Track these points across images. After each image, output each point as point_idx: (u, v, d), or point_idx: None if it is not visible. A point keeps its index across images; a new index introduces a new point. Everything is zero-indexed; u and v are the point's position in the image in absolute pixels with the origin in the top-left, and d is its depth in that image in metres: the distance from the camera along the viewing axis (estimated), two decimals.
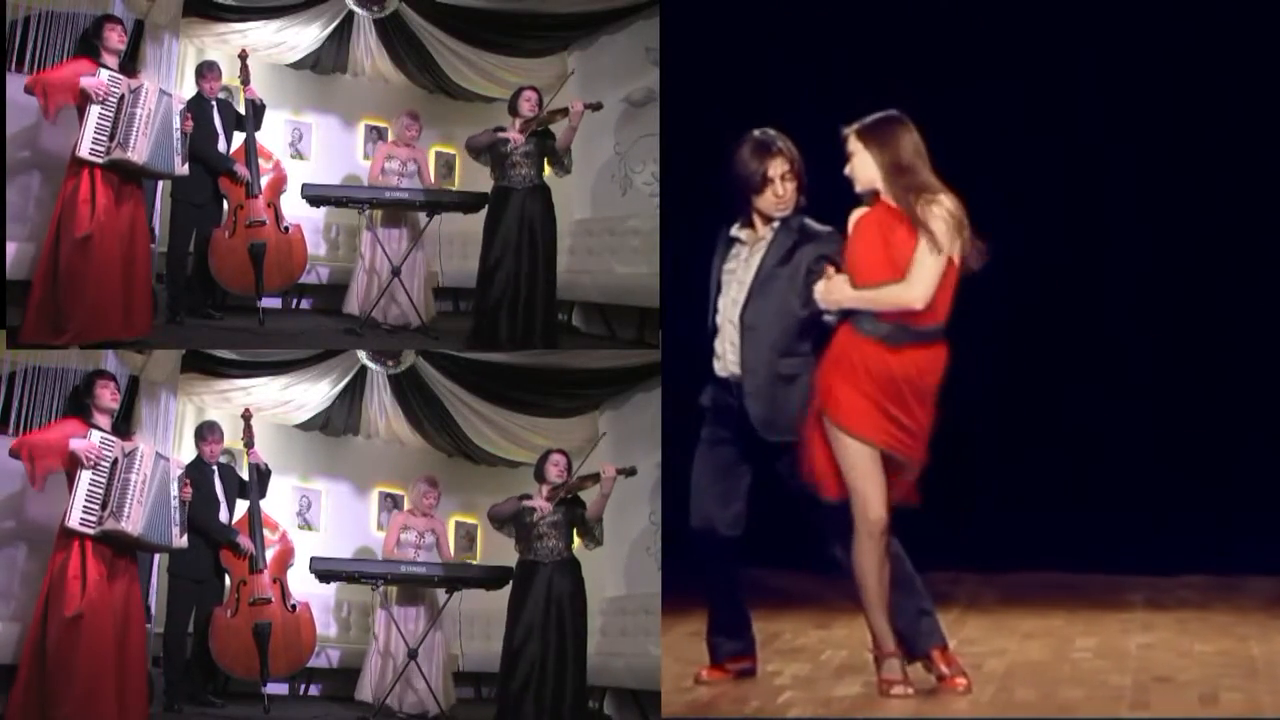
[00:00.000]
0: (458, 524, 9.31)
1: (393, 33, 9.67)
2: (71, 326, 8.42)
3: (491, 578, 8.84)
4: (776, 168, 7.15)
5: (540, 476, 8.58)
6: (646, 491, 8.84)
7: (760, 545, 7.52)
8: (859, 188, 7.00)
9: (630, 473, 8.53)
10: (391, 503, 9.35)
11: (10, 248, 8.62)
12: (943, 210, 6.89)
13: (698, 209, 9.65)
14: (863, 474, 6.94)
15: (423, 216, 9.40)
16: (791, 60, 10.22)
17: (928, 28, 10.19)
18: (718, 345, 7.25)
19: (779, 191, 7.16)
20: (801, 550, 7.44)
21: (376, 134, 9.71)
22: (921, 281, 6.87)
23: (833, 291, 7.02)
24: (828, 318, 7.09)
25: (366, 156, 9.74)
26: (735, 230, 7.28)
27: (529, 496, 8.55)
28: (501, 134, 9.08)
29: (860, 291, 6.95)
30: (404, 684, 8.83)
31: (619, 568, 8.95)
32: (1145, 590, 9.31)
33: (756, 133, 7.23)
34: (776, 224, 7.20)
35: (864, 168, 6.98)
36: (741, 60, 10.10)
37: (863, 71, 10.26)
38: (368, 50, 9.72)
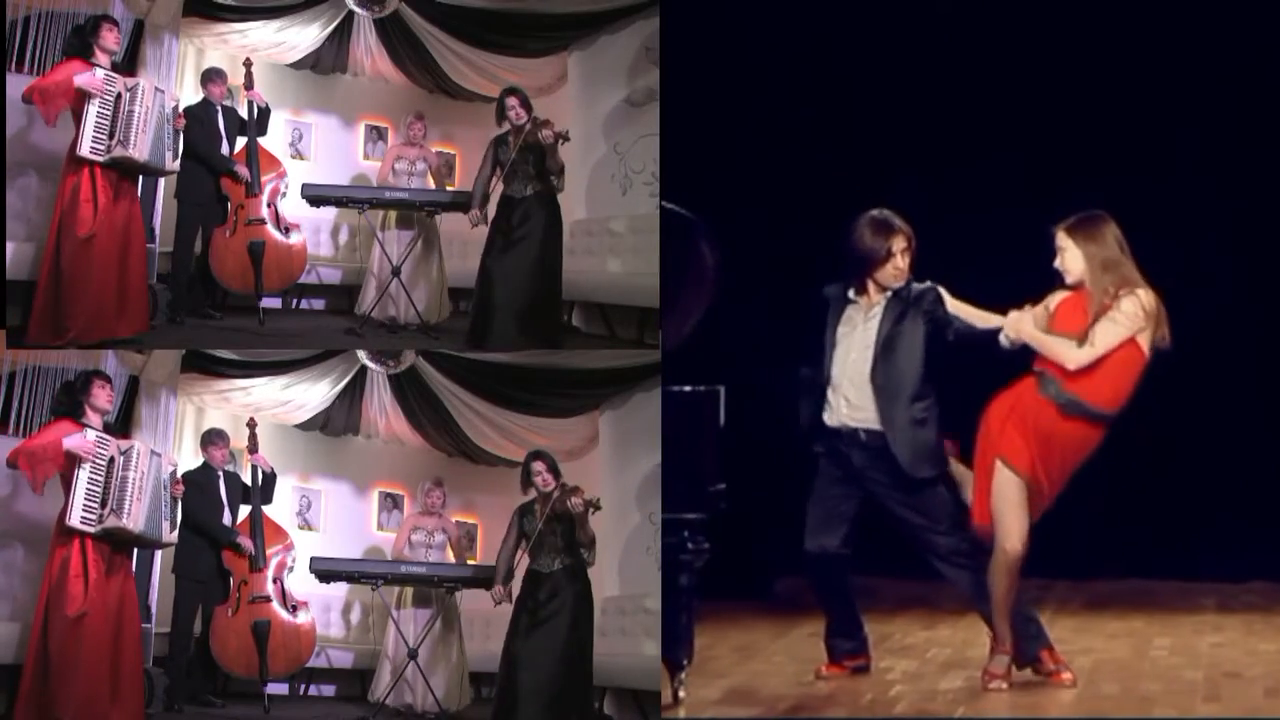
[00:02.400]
0: (458, 524, 9.30)
1: (393, 33, 9.67)
2: (74, 326, 8.43)
3: (492, 578, 8.82)
4: (898, 244, 7.90)
5: (528, 484, 8.52)
6: (645, 491, 8.83)
7: (873, 559, 8.37)
8: (1069, 280, 7.74)
9: (595, 507, 8.47)
10: (391, 503, 9.36)
11: (9, 247, 8.63)
12: (1138, 304, 7.64)
13: (698, 209, 9.70)
14: (1012, 506, 7.69)
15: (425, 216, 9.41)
16: (791, 60, 10.23)
17: (924, 27, 10.22)
18: (831, 398, 7.99)
19: (899, 265, 7.92)
20: (910, 564, 8.21)
21: (376, 134, 9.71)
22: (1089, 350, 7.62)
23: (1021, 322, 7.75)
24: (1004, 340, 7.79)
25: (367, 156, 9.74)
26: (851, 294, 7.98)
27: (530, 508, 8.50)
28: (491, 186, 9.04)
29: (1035, 333, 7.72)
30: (410, 684, 8.84)
31: (617, 568, 8.94)
32: (1215, 595, 10.11)
33: (875, 213, 7.93)
34: (889, 292, 7.94)
35: (1074, 261, 7.72)
36: (741, 60, 10.10)
37: (864, 70, 10.28)
38: (368, 50, 9.72)
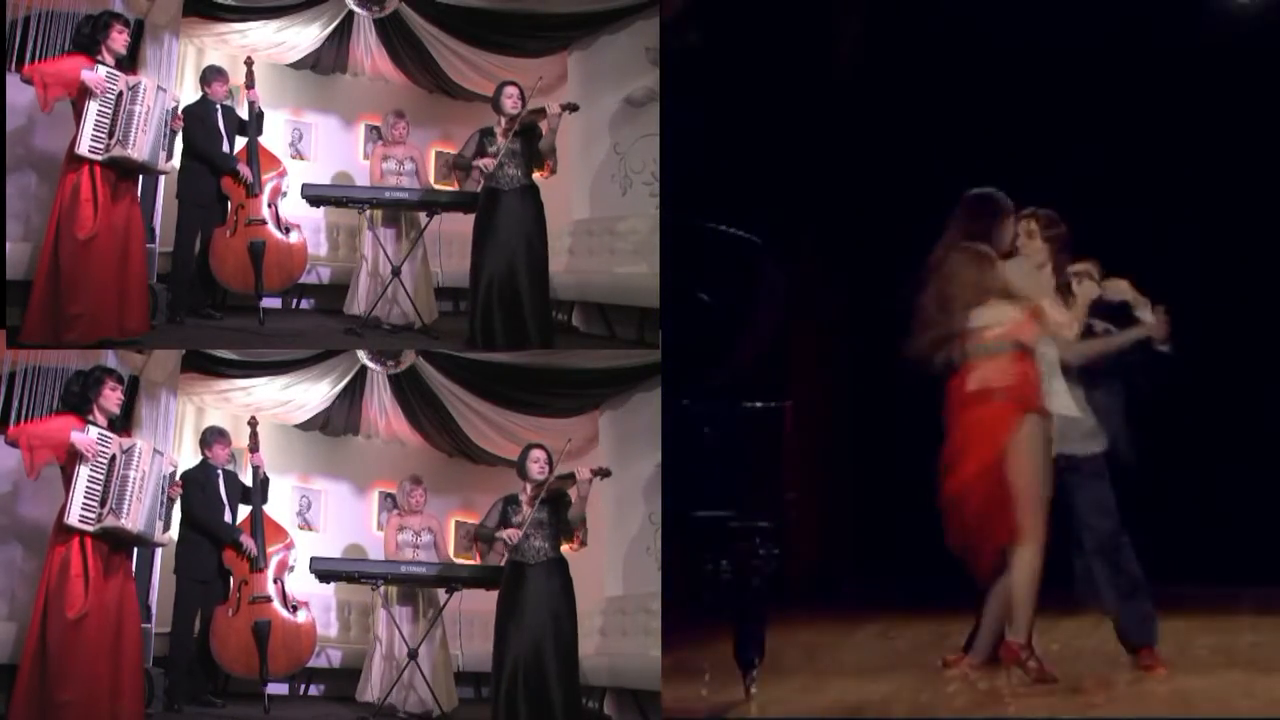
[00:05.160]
0: (458, 523, 9.30)
1: (393, 33, 9.66)
2: (76, 326, 8.42)
3: (490, 577, 8.82)
4: None
5: (523, 474, 8.58)
6: (646, 491, 8.83)
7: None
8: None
9: (605, 474, 8.55)
10: (391, 503, 9.35)
11: (8, 247, 8.62)
12: None
13: (698, 209, 9.71)
14: None
15: (422, 216, 9.39)
16: (791, 61, 10.24)
17: (925, 27, 10.23)
18: None
19: None
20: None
21: (376, 134, 9.68)
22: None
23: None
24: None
25: (366, 156, 9.72)
26: None
27: (515, 499, 8.54)
28: (480, 160, 9.04)
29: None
30: (405, 684, 8.83)
31: (619, 568, 8.94)
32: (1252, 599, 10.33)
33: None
34: None
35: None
36: (741, 62, 10.11)
37: (863, 69, 10.28)
38: (368, 50, 9.71)
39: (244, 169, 9.18)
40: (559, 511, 8.54)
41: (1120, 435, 8.20)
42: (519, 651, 8.45)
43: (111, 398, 8.08)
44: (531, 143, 9.07)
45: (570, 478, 8.54)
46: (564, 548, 8.58)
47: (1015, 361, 7.87)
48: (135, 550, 8.24)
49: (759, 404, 7.99)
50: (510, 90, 9.08)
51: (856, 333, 10.68)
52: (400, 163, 9.52)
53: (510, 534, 8.49)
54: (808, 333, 10.39)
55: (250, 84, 9.24)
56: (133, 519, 7.93)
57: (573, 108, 9.09)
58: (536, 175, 9.14)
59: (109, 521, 7.90)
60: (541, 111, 9.05)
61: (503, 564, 8.57)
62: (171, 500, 8.27)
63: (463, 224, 9.35)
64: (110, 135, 8.42)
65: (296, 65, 9.68)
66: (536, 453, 8.59)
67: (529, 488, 8.56)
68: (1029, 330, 7.91)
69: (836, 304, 10.65)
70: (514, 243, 9.03)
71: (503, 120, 9.08)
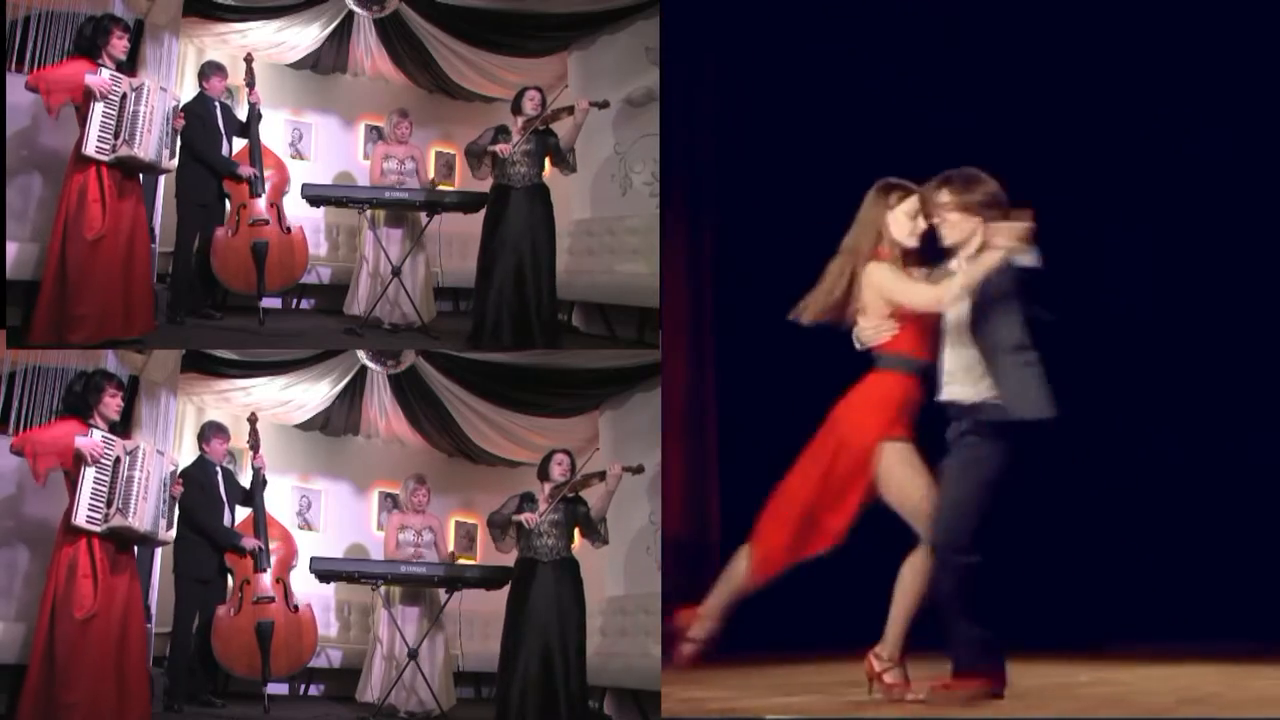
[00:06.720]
0: (458, 524, 9.31)
1: (393, 33, 9.67)
2: (82, 326, 8.42)
3: (491, 578, 8.85)
4: None
5: (544, 476, 8.60)
6: (646, 491, 8.84)
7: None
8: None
9: (637, 470, 8.57)
10: (391, 502, 9.36)
11: (10, 248, 8.62)
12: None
13: (698, 209, 9.72)
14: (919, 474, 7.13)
15: (423, 216, 9.39)
16: (791, 59, 10.24)
17: (924, 28, 10.24)
18: None
19: None
20: None
21: (376, 134, 9.69)
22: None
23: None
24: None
25: (366, 156, 9.73)
26: None
27: (531, 497, 8.56)
28: (496, 146, 9.06)
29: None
30: (405, 684, 8.83)
31: (619, 568, 8.95)
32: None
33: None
34: None
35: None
36: (741, 60, 10.11)
37: (862, 69, 10.28)
38: (368, 50, 9.71)
39: (247, 169, 9.18)
40: (575, 510, 8.56)
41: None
42: (530, 648, 8.46)
43: (111, 404, 8.10)
44: (548, 141, 9.07)
45: (599, 475, 8.57)
46: (576, 545, 8.58)
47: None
48: (135, 550, 8.24)
49: None
50: (532, 94, 9.11)
51: None
52: (401, 162, 9.52)
53: (528, 518, 8.50)
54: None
55: (251, 84, 9.24)
56: (139, 519, 7.96)
57: (603, 105, 9.11)
58: (550, 173, 9.15)
59: (116, 521, 7.92)
60: (568, 109, 9.07)
61: (513, 561, 8.58)
62: (174, 498, 8.29)
63: (463, 224, 9.37)
64: (116, 136, 8.42)
65: (296, 65, 9.69)
66: (560, 456, 8.64)
67: (547, 488, 8.58)
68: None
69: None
70: (523, 242, 9.04)
71: (520, 120, 9.08)
